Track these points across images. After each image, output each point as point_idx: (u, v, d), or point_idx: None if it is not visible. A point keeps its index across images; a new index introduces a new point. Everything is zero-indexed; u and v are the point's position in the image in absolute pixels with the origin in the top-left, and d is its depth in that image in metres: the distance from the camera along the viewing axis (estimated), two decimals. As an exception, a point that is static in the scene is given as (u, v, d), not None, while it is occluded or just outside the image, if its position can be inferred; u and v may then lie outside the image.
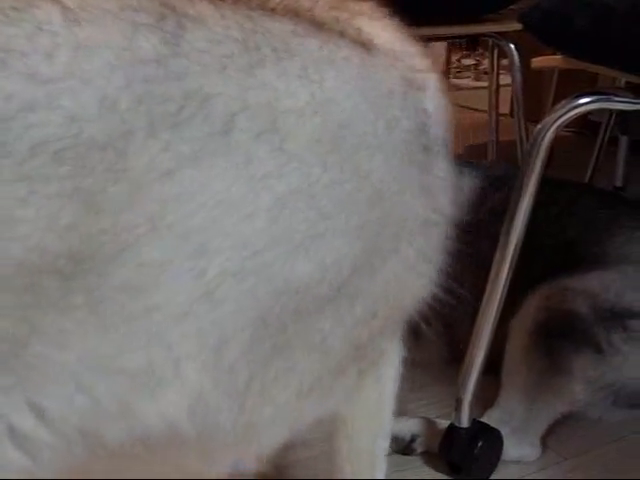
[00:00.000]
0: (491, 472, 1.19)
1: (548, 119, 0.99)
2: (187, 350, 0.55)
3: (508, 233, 1.07)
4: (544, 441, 1.24)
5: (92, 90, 0.47)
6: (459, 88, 4.61)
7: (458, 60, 5.03)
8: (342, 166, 0.61)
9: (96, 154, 0.47)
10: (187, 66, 0.52)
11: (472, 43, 1.82)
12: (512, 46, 1.82)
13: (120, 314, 0.51)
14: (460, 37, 1.82)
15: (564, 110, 0.98)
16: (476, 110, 3.88)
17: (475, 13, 1.71)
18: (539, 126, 1.01)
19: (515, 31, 1.80)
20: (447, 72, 4.62)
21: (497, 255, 1.09)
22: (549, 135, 1.00)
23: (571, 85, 2.45)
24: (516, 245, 1.07)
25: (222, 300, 0.55)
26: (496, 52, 2.16)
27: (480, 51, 5.00)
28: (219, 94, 0.53)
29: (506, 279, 1.09)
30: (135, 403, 0.54)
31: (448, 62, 4.63)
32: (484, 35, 1.82)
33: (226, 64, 0.54)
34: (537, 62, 1.26)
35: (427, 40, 2.34)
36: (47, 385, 0.50)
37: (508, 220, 1.07)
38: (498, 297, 1.10)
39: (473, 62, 5.01)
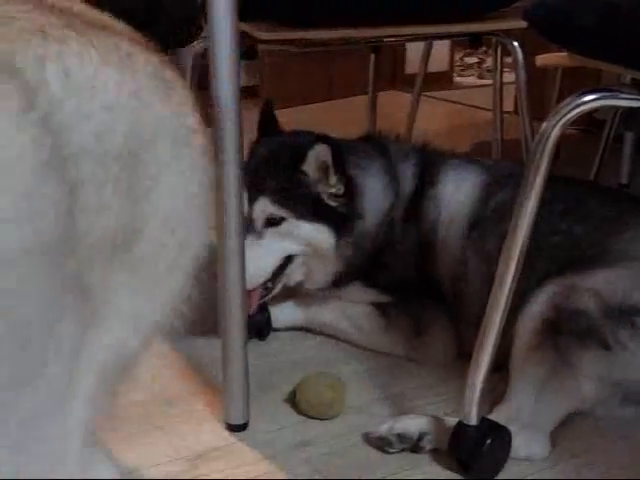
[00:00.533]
0: (500, 470, 1.19)
1: (553, 117, 0.99)
2: None
3: (515, 231, 1.07)
4: (553, 438, 1.24)
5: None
6: (462, 86, 4.61)
7: (461, 58, 5.03)
8: None
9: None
10: None
11: (475, 41, 1.80)
12: (516, 44, 1.82)
13: None
14: (463, 35, 1.81)
15: (569, 108, 0.98)
16: (480, 108, 3.88)
17: (479, 11, 1.71)
18: (544, 124, 1.01)
19: (519, 29, 1.81)
20: (451, 70, 4.62)
21: (504, 253, 1.09)
22: (555, 133, 1.00)
23: (575, 82, 2.45)
24: (523, 243, 1.07)
25: None
26: (500, 50, 2.16)
27: (483, 49, 4.99)
28: None
29: (514, 277, 1.09)
30: None
31: (451, 60, 4.63)
32: (488, 33, 1.82)
33: None
34: (542, 60, 1.26)
35: (431, 38, 2.35)
36: None
37: (515, 218, 1.07)
38: (506, 294, 1.10)
39: (476, 60, 5.01)
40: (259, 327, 1.57)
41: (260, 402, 1.38)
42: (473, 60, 5.02)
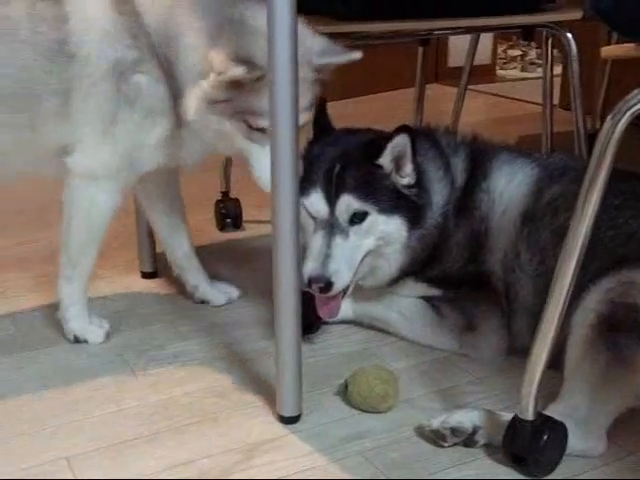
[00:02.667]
0: (556, 466, 1.18)
1: (620, 109, 0.97)
2: None
3: (577, 225, 1.05)
4: (609, 435, 1.22)
5: None
6: (505, 79, 4.56)
7: (504, 51, 4.98)
8: None
9: None
10: None
11: (528, 34, 1.77)
12: (569, 36, 1.79)
13: None
14: (517, 27, 1.79)
15: (637, 99, 0.96)
16: (523, 101, 3.85)
17: (532, 3, 1.69)
18: (610, 116, 0.99)
19: (570, 21, 1.79)
20: (493, 63, 4.58)
21: (565, 247, 1.08)
22: (621, 125, 0.98)
23: (624, 76, 2.41)
24: (585, 237, 1.06)
25: None
26: (550, 43, 2.13)
27: (526, 42, 4.94)
28: None
29: (574, 271, 1.07)
30: None
31: (494, 53, 4.58)
32: (542, 25, 1.79)
33: None
34: (607, 51, 1.23)
35: (483, 31, 2.33)
36: None
37: (577, 211, 1.05)
38: (566, 289, 1.08)
39: (519, 53, 4.96)
40: (309, 321, 1.57)
41: (311, 395, 1.38)
42: (516, 53, 4.97)
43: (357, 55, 1.39)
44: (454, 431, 1.23)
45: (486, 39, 4.29)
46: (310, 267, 1.42)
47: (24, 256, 2.00)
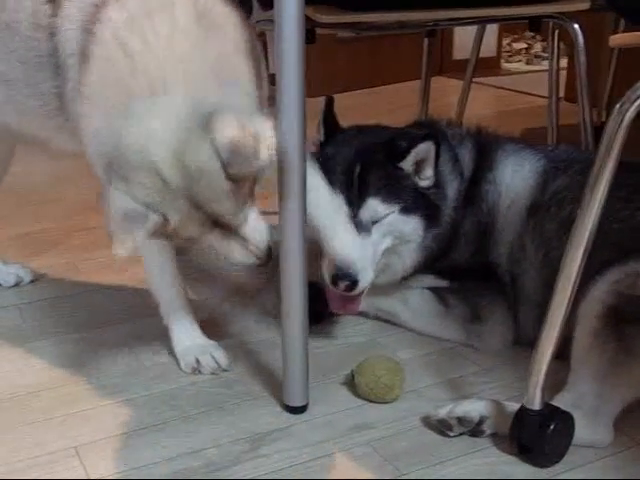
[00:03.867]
0: (563, 456, 1.18)
1: (628, 99, 0.97)
2: None
3: (584, 215, 1.05)
4: (616, 426, 1.22)
5: None
6: (510, 72, 4.55)
7: (509, 44, 4.97)
8: None
9: None
10: None
11: (535, 25, 1.76)
12: (576, 27, 1.78)
13: None
14: (525, 18, 1.78)
15: (646, 89, 0.96)
16: (529, 94, 3.84)
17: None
18: (617, 106, 0.99)
19: (576, 12, 1.78)
20: (498, 56, 4.57)
21: (572, 239, 1.08)
22: (629, 115, 0.98)
23: (630, 67, 2.40)
24: (592, 228, 1.06)
25: None
26: (557, 34, 2.13)
27: (532, 35, 4.93)
28: None
29: (581, 262, 1.07)
30: None
31: (499, 46, 4.57)
32: (550, 16, 1.78)
33: None
34: (616, 39, 1.22)
35: (491, 21, 2.32)
36: None
37: (584, 202, 1.05)
38: (573, 280, 1.08)
39: (524, 46, 4.94)
40: (316, 312, 1.57)
41: (318, 385, 1.39)
42: (521, 46, 4.95)
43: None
44: (461, 421, 1.24)
45: (491, 32, 4.28)
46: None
47: (29, 246, 2.00)
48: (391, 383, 1.34)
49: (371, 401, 1.35)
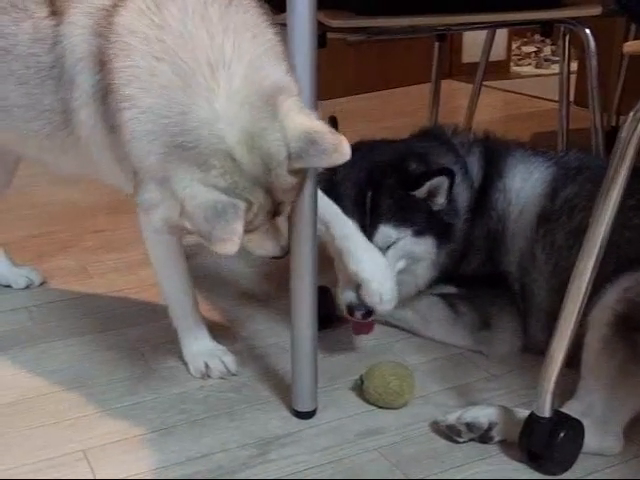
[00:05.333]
0: (572, 463, 1.18)
1: (643, 106, 0.97)
2: None
3: (596, 223, 1.05)
4: (626, 434, 1.22)
5: None
6: (520, 76, 4.54)
7: (518, 47, 4.96)
8: None
9: None
10: None
11: (547, 29, 1.76)
12: (588, 31, 1.78)
13: None
14: (537, 23, 1.77)
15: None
16: (538, 98, 3.83)
17: (551, -1, 1.68)
18: (632, 113, 0.98)
19: (587, 17, 1.77)
20: (508, 60, 4.56)
21: (584, 246, 1.07)
22: (643, 122, 0.97)
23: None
24: (604, 236, 1.05)
25: None
26: (567, 39, 2.12)
27: (542, 39, 4.92)
28: None
29: (592, 270, 1.07)
30: None
31: (509, 49, 4.56)
32: (562, 21, 1.78)
33: None
34: (630, 47, 1.21)
35: (502, 26, 2.30)
36: None
37: (597, 210, 1.05)
38: (584, 287, 1.08)
39: (534, 49, 4.93)
40: (325, 317, 1.57)
41: (327, 390, 1.38)
42: (531, 49, 4.94)
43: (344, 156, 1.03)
44: (470, 427, 1.23)
45: (501, 35, 4.27)
46: (350, 295, 1.42)
47: (39, 249, 2.01)
48: (400, 389, 1.34)
49: (380, 407, 1.34)
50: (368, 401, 1.36)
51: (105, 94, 1.11)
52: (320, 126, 1.01)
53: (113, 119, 1.09)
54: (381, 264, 1.40)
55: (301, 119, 1.01)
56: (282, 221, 1.15)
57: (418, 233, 1.46)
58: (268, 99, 1.01)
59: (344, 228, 1.39)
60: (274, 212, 1.09)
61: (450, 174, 1.44)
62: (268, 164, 1.02)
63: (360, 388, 1.37)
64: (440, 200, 1.47)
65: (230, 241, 0.97)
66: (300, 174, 1.07)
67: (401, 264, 1.47)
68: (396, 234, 1.44)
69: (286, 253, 1.17)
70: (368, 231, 1.43)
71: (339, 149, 1.00)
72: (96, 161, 1.23)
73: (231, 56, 1.03)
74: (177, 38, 1.04)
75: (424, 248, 1.48)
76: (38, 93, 1.22)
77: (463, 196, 1.52)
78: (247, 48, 1.05)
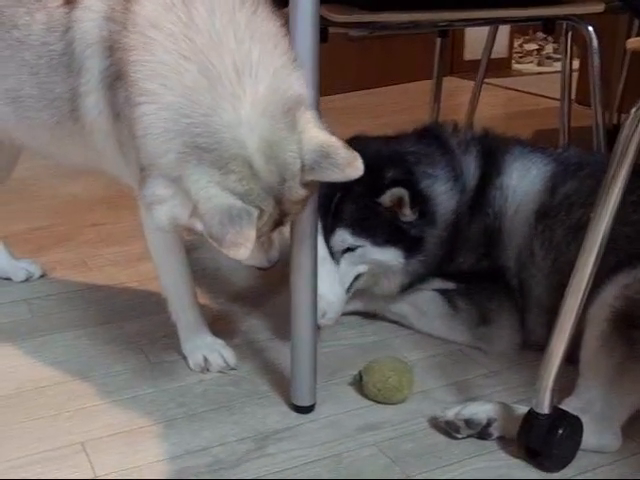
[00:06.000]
0: (570, 460, 1.18)
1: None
2: None
3: (598, 220, 1.05)
4: (624, 431, 1.22)
5: None
6: (522, 74, 4.54)
7: (520, 45, 4.95)
8: None
9: None
10: None
11: (549, 26, 1.75)
12: (591, 29, 1.78)
13: None
14: (539, 20, 1.77)
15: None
16: (540, 96, 3.82)
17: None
18: (633, 110, 0.98)
19: (591, 14, 1.77)
20: (509, 57, 4.55)
21: (585, 242, 1.07)
22: (645, 119, 0.97)
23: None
24: (604, 232, 1.05)
25: None
26: (570, 36, 2.12)
27: (544, 36, 4.91)
28: None
29: (593, 266, 1.07)
30: None
31: (510, 47, 4.56)
32: (564, 18, 1.78)
33: None
34: (634, 43, 1.21)
35: (504, 22, 2.30)
36: None
37: (598, 207, 1.05)
38: (585, 284, 1.08)
39: (536, 47, 4.92)
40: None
41: (325, 385, 1.38)
42: (532, 47, 4.93)
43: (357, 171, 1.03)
44: (468, 423, 1.23)
45: (502, 33, 4.26)
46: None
47: (39, 242, 2.00)
48: (399, 384, 1.34)
49: (378, 402, 1.34)
50: (367, 396, 1.36)
51: (113, 80, 1.11)
52: (335, 141, 1.02)
53: (120, 108, 1.09)
54: (334, 281, 1.44)
55: (317, 132, 1.02)
56: (276, 234, 1.16)
57: (379, 243, 1.46)
58: (289, 110, 1.02)
59: None
60: (279, 223, 1.10)
61: (408, 186, 1.44)
62: (283, 174, 1.03)
63: (359, 383, 1.37)
64: (406, 212, 1.46)
65: (243, 246, 0.98)
66: (310, 187, 1.08)
67: (362, 268, 1.49)
68: (352, 240, 1.45)
69: (272, 265, 1.18)
70: (329, 232, 1.45)
71: (353, 164, 1.01)
72: (100, 150, 1.24)
73: (257, 63, 1.03)
74: (205, 39, 1.04)
75: (388, 257, 1.48)
76: (49, 82, 1.23)
77: (449, 204, 1.51)
78: (271, 57, 1.05)
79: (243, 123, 1.00)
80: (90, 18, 1.15)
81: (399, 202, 1.45)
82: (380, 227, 1.46)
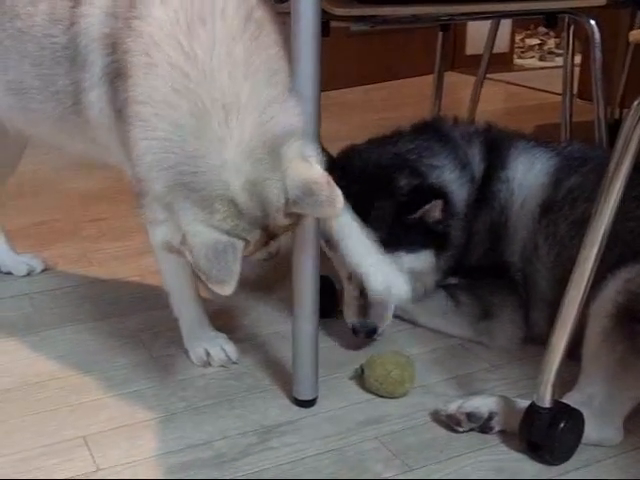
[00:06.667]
0: (572, 454, 1.18)
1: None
2: None
3: (599, 214, 1.05)
4: (626, 425, 1.22)
5: None
6: (523, 68, 4.53)
7: (522, 40, 4.94)
8: None
9: None
10: None
11: (552, 20, 1.75)
12: (593, 22, 1.77)
13: None
14: (541, 13, 1.76)
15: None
16: (542, 90, 3.82)
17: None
18: (635, 103, 0.98)
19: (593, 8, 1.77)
20: (511, 52, 4.55)
21: (586, 237, 1.07)
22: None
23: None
24: (606, 227, 1.05)
25: None
26: (572, 30, 2.11)
27: (545, 31, 4.90)
28: None
29: (595, 261, 1.07)
30: None
31: (512, 42, 4.55)
32: (566, 11, 1.77)
33: None
34: (636, 35, 1.20)
35: (507, 16, 2.30)
36: None
37: (600, 201, 1.05)
38: (586, 278, 1.08)
39: (538, 42, 4.91)
40: (325, 306, 1.57)
41: (327, 379, 1.39)
42: (534, 42, 4.92)
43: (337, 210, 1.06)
44: (470, 416, 1.23)
45: (504, 27, 4.25)
46: (352, 319, 1.47)
47: (41, 236, 2.01)
48: (401, 378, 1.34)
49: (380, 396, 1.35)
50: (369, 390, 1.36)
51: (114, 77, 1.11)
52: (319, 177, 1.04)
53: (121, 105, 1.10)
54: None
55: (302, 168, 1.04)
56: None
57: (414, 251, 1.47)
58: (275, 148, 1.04)
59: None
60: (268, 242, 1.13)
61: (443, 195, 1.45)
62: (267, 209, 1.06)
63: (361, 377, 1.38)
64: (436, 215, 1.47)
65: (228, 284, 1.03)
66: (296, 216, 1.10)
67: None
68: (390, 257, 1.43)
69: (272, 257, 1.19)
70: None
71: (333, 204, 1.04)
72: (105, 144, 1.24)
73: (246, 102, 1.04)
74: (200, 73, 1.04)
75: (422, 262, 1.49)
76: (52, 74, 1.23)
77: (462, 192, 1.52)
78: (262, 93, 1.06)
79: (229, 166, 1.03)
80: (95, 13, 1.15)
81: (428, 213, 1.46)
82: (411, 235, 1.46)
